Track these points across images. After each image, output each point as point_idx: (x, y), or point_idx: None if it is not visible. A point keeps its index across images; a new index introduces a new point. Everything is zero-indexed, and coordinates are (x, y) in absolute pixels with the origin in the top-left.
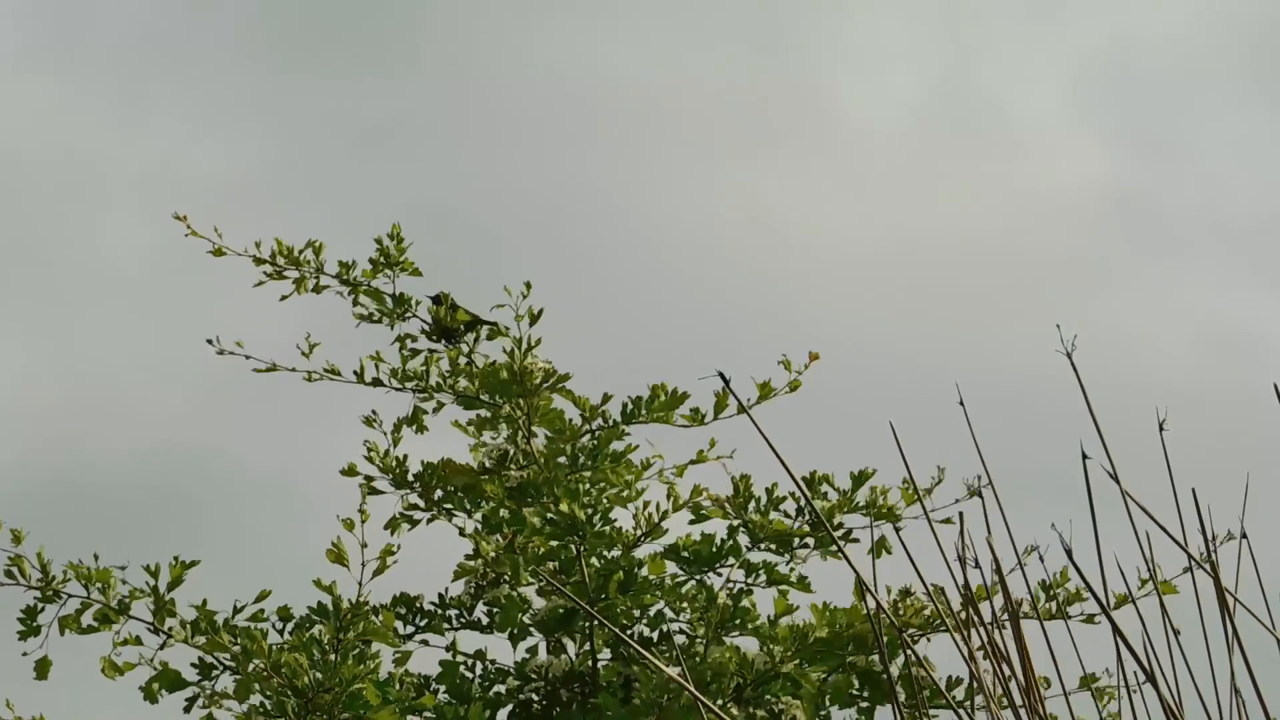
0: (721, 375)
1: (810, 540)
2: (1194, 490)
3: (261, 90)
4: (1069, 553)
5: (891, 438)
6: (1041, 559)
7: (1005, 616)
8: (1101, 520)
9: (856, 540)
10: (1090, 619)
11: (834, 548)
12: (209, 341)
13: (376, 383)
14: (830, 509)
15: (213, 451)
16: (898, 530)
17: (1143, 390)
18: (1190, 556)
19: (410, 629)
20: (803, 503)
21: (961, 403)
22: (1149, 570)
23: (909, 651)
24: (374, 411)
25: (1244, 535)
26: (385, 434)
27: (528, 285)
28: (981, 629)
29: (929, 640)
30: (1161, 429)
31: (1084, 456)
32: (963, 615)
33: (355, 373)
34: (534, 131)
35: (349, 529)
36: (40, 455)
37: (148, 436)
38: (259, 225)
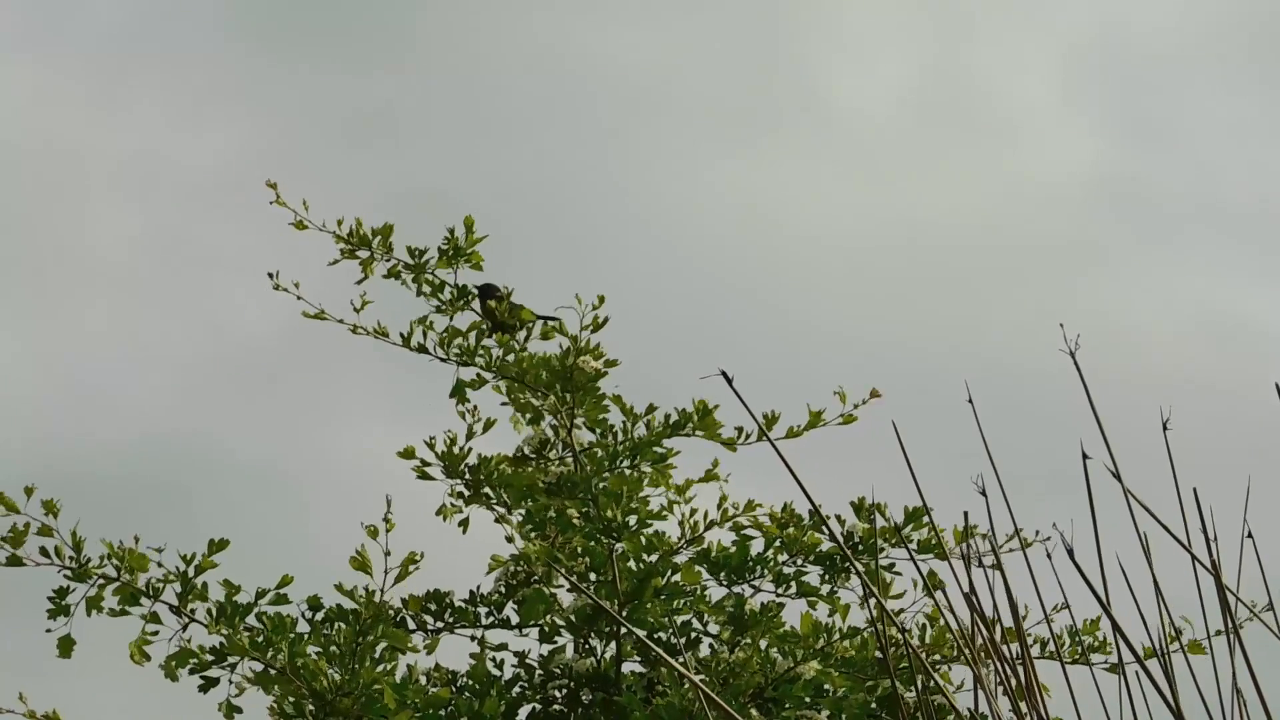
0: (724, 374)
1: (846, 564)
2: (1195, 490)
3: (247, 79)
4: (1070, 552)
5: (891, 434)
6: (1069, 607)
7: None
8: (1101, 515)
9: (900, 573)
10: (1112, 669)
11: (881, 571)
12: (269, 275)
13: (421, 349)
14: (869, 532)
15: (203, 441)
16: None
17: (1137, 378)
18: (1193, 556)
19: (439, 624)
20: (847, 525)
21: (970, 400)
22: (1151, 579)
23: (924, 679)
24: (475, 405)
25: (1249, 535)
26: (468, 430)
27: (600, 298)
28: (994, 656)
29: (949, 669)
30: (1165, 428)
31: (1084, 457)
32: (971, 630)
33: (402, 335)
34: (528, 119)
35: (373, 536)
36: (29, 447)
37: (137, 427)
38: (249, 217)
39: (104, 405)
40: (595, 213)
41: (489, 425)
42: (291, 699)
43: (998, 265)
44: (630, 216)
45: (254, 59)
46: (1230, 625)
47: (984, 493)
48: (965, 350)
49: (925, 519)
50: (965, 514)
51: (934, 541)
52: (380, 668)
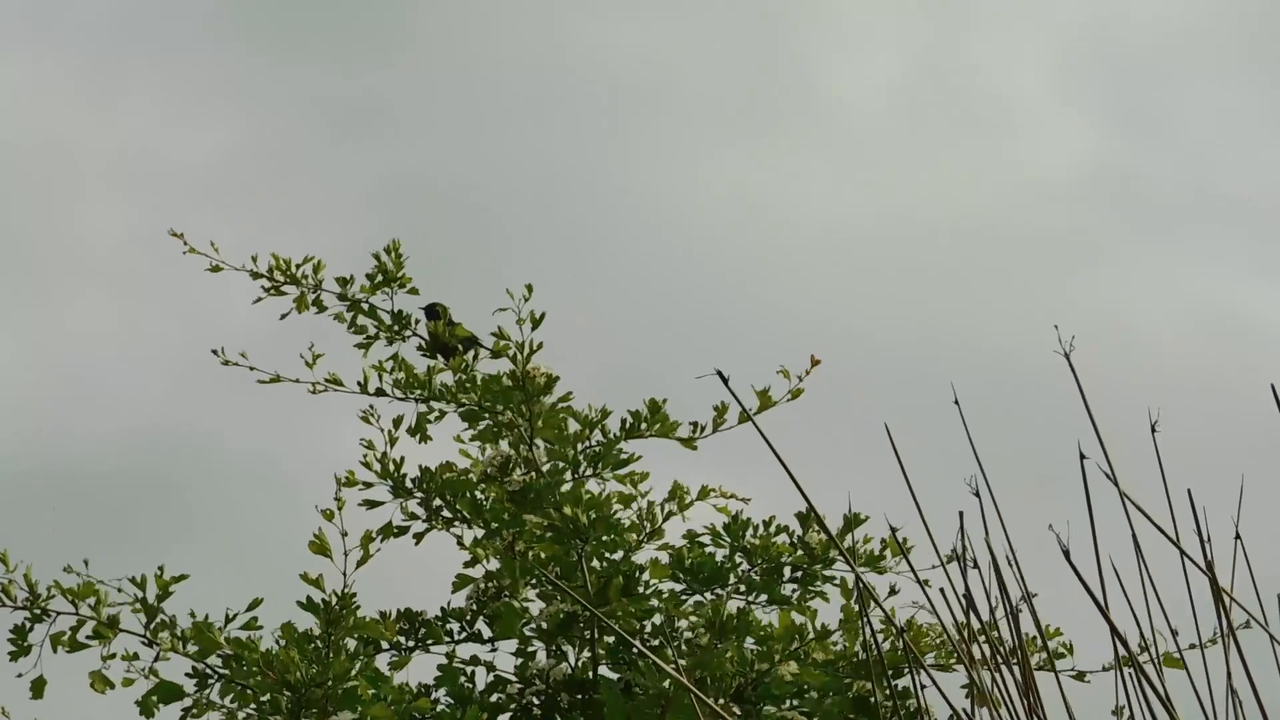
0: (720, 374)
1: (799, 573)
2: (1189, 491)
3: (242, 74)
4: (1066, 554)
5: (888, 436)
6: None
7: (1011, 654)
8: (1100, 515)
9: (839, 584)
10: (1080, 676)
11: (819, 585)
12: (214, 352)
13: (380, 393)
14: (824, 545)
15: (196, 435)
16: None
17: (1136, 373)
18: (1185, 556)
19: (412, 642)
20: (797, 535)
21: (956, 402)
22: (1147, 579)
23: (894, 683)
24: (371, 406)
25: (1238, 537)
26: (382, 431)
27: (529, 288)
28: (985, 644)
29: (921, 671)
30: (1154, 430)
31: (1082, 457)
32: (963, 625)
33: (359, 384)
34: (525, 114)
35: (329, 519)
36: (27, 443)
37: (130, 422)
38: (239, 211)
39: (101, 401)
40: (592, 208)
41: (397, 423)
42: (268, 695)
43: (996, 260)
44: (627, 211)
45: (248, 54)
46: (1225, 627)
47: (977, 494)
48: (963, 346)
49: (860, 527)
50: (961, 514)
51: (873, 554)
52: (355, 661)
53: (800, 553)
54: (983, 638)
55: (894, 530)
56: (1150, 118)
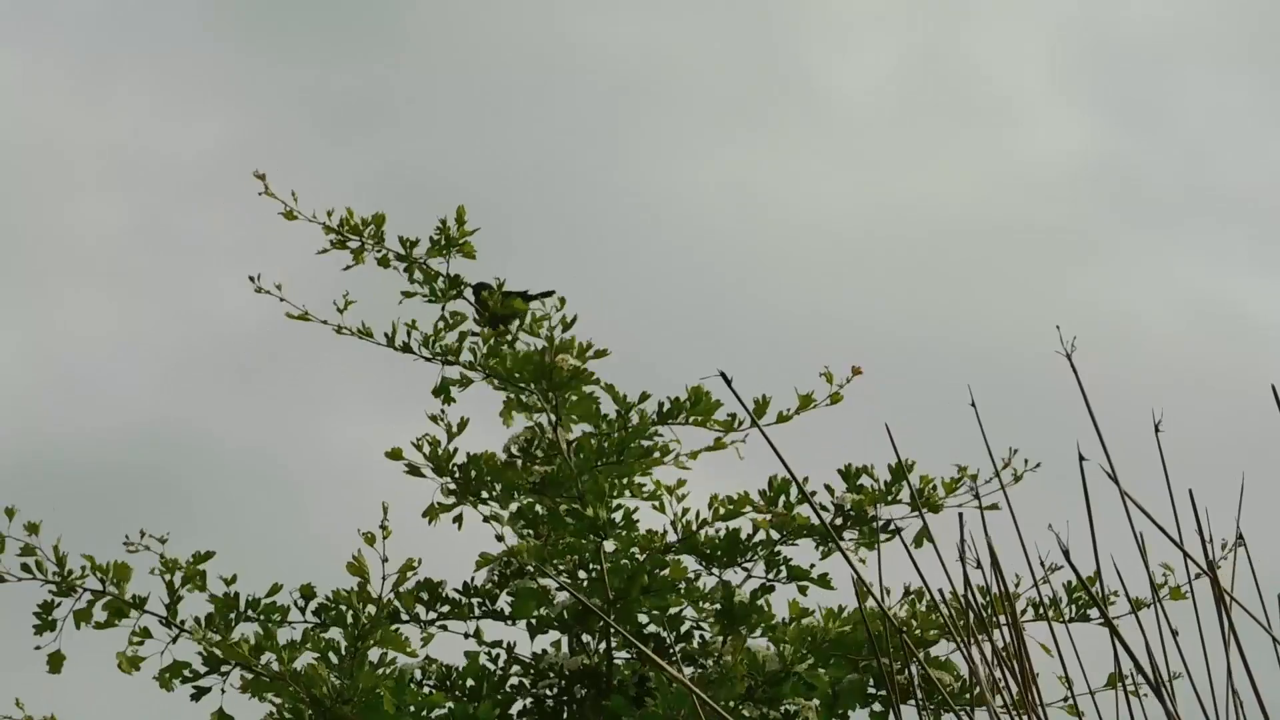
0: (723, 375)
1: (849, 532)
2: (1191, 491)
3: (236, 70)
4: (1066, 554)
5: (892, 431)
6: (1059, 563)
7: (1008, 621)
8: (1098, 514)
9: (900, 529)
10: (1104, 623)
11: (881, 537)
12: (250, 279)
13: (406, 348)
14: (859, 502)
15: (198, 433)
16: (897, 531)
17: (1135, 368)
18: (1188, 557)
19: (433, 615)
20: (837, 496)
21: (973, 404)
22: (1146, 576)
23: (918, 656)
24: (443, 410)
25: (1240, 538)
26: (446, 429)
27: (561, 300)
28: (988, 640)
29: (945, 641)
30: (1158, 430)
31: (1081, 458)
32: (963, 623)
33: (386, 335)
34: (521, 108)
35: (370, 543)
36: (23, 438)
37: (129, 420)
38: (237, 208)
39: (100, 399)
40: (592, 203)
41: (463, 425)
42: (289, 705)
43: (996, 258)
44: (627, 207)
45: (245, 51)
46: (1226, 626)
47: (977, 495)
48: (963, 344)
49: (912, 474)
50: (960, 515)
51: (927, 492)
52: (380, 671)
53: (831, 518)
54: (983, 636)
55: (961, 469)
56: (1149, 115)
